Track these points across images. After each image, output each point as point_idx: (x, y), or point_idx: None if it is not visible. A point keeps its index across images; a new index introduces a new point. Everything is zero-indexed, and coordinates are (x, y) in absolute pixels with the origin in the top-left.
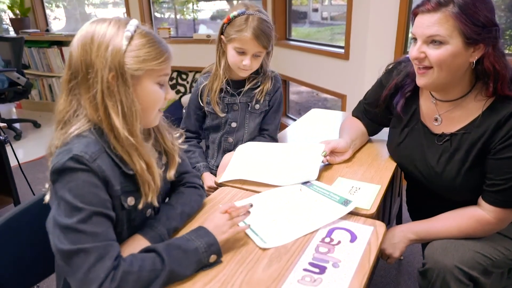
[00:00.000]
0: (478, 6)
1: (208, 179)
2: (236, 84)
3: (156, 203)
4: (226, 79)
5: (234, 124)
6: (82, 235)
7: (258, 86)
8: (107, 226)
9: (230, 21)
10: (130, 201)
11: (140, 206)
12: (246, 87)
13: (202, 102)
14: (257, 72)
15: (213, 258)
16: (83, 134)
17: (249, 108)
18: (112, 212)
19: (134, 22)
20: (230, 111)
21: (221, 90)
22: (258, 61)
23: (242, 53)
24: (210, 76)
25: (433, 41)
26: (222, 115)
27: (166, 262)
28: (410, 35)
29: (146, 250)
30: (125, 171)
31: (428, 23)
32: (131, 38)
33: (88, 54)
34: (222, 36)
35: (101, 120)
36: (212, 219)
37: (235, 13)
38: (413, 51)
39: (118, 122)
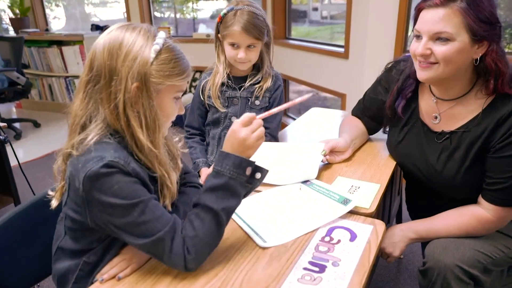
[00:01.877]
0: (484, 2)
1: (204, 174)
2: (238, 80)
3: (169, 208)
4: (227, 74)
5: (234, 119)
6: (148, 224)
7: (259, 82)
8: (159, 205)
9: (221, 19)
10: None
11: None
12: (248, 83)
13: (203, 97)
14: (258, 69)
15: (249, 170)
16: (104, 140)
17: (249, 103)
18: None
19: (162, 35)
20: (231, 105)
21: (222, 84)
22: (255, 52)
23: (236, 46)
24: (212, 72)
25: (439, 37)
26: (223, 109)
27: (214, 207)
28: (410, 32)
29: (193, 206)
30: (150, 173)
31: (435, 19)
32: (159, 52)
33: (114, 60)
34: (218, 35)
35: (123, 129)
36: (236, 136)
37: (224, 11)
38: (419, 48)
39: (141, 133)
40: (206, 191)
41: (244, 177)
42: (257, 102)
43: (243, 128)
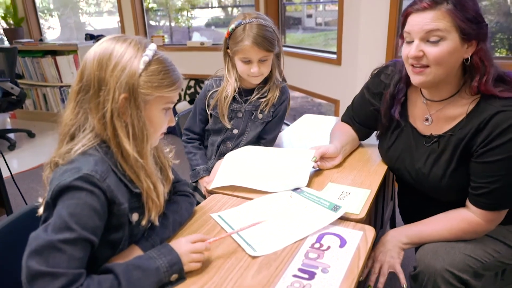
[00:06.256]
0: (469, 2)
1: (205, 182)
2: (246, 92)
3: (156, 222)
4: (238, 87)
5: (235, 131)
6: (60, 255)
7: (265, 96)
8: (87, 252)
9: (230, 35)
10: (134, 217)
11: (144, 222)
12: (255, 97)
13: (208, 106)
14: (265, 81)
15: (174, 277)
16: (89, 152)
17: (252, 117)
18: (97, 239)
19: (153, 47)
20: (234, 118)
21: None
22: (267, 65)
23: (248, 61)
24: (221, 87)
25: (430, 39)
26: (229, 126)
27: (123, 285)
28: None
29: (105, 271)
30: (132, 189)
31: (426, 20)
32: (148, 63)
33: (103, 70)
34: (228, 51)
35: (109, 138)
36: (179, 247)
37: (233, 26)
38: (411, 50)
39: (127, 143)
40: (126, 266)
41: (167, 280)
42: (260, 116)
43: (188, 244)
